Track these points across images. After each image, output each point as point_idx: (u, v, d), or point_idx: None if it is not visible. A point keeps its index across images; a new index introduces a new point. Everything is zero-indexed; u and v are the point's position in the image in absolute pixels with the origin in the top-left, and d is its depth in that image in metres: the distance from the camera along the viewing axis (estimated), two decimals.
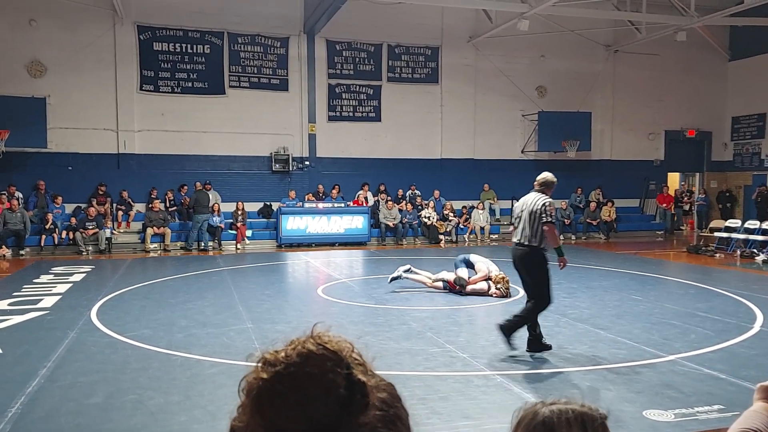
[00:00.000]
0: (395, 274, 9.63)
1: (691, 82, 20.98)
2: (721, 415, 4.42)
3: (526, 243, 6.03)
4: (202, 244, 15.89)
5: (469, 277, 9.32)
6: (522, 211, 6.13)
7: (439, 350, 6.23)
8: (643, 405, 4.63)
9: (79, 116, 16.25)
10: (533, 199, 6.09)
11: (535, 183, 6.25)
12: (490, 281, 9.21)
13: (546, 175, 6.22)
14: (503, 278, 9.12)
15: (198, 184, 16.53)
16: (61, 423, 4.36)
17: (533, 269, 6.03)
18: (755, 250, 14.19)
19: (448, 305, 8.61)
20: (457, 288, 9.25)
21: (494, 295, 9.08)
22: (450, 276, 9.42)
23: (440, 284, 9.46)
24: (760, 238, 14.63)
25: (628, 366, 5.68)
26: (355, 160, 18.54)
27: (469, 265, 9.51)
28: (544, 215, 5.94)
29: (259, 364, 0.74)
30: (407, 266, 9.79)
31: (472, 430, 4.21)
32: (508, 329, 6.00)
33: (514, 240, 6.22)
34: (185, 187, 16.75)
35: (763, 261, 13.37)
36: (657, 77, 20.69)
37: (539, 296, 6.00)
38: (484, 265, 9.43)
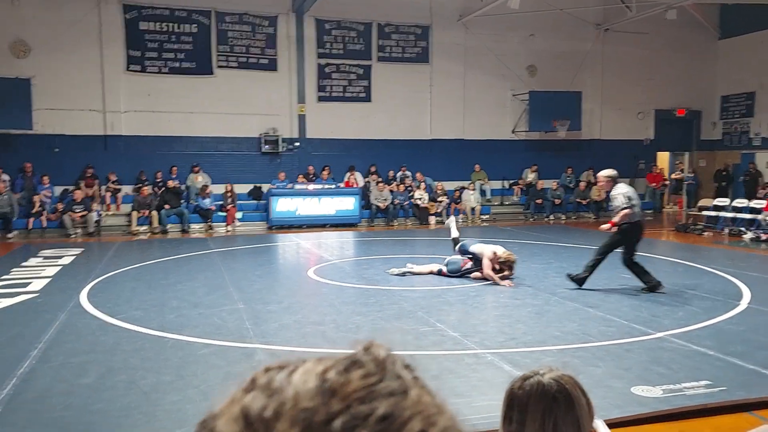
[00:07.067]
0: (397, 272, 9.27)
1: (680, 61, 20.96)
2: (708, 391, 4.49)
3: None
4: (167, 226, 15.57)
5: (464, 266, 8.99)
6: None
7: (430, 329, 6.26)
8: (631, 381, 4.68)
9: (65, 97, 16.03)
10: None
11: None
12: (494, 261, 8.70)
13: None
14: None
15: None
16: (53, 403, 4.36)
17: None
18: (743, 228, 14.32)
19: (440, 286, 8.64)
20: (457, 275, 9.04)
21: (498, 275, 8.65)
22: (436, 267, 9.21)
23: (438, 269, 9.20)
24: (747, 216, 14.77)
25: (616, 343, 5.75)
26: (346, 140, 18.44)
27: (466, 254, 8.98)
28: None
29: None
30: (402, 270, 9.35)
31: (463, 408, 4.25)
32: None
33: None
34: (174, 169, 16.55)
35: (751, 239, 13.51)
36: (647, 56, 20.64)
37: None
38: (488, 249, 8.86)
